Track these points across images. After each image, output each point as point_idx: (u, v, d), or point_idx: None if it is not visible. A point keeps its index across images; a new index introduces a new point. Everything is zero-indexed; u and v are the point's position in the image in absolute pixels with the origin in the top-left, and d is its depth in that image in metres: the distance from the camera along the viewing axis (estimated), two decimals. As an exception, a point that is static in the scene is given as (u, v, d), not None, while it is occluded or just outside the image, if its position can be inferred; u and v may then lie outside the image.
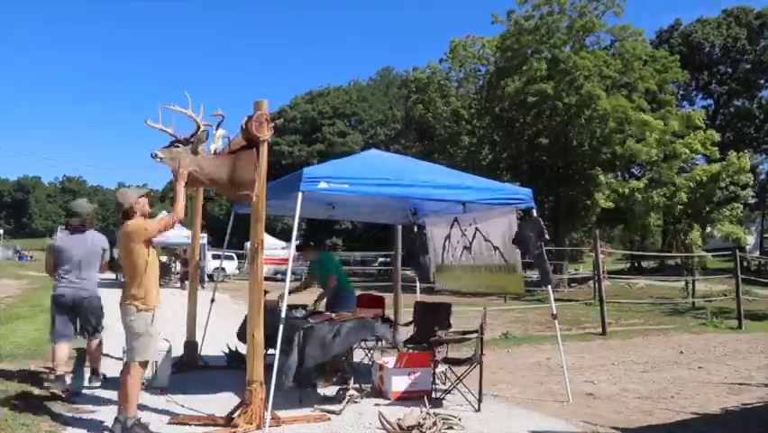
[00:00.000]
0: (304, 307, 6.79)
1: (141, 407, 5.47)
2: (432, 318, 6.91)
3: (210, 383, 6.44)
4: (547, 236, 6.48)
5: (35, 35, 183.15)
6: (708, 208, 22.68)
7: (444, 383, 6.25)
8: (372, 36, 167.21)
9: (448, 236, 7.80)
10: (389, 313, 8.05)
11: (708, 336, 12.16)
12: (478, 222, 7.14)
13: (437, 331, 6.36)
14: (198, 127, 4.93)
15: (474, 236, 7.22)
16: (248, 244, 6.01)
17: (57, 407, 5.41)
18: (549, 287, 6.78)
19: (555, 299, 6.98)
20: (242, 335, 6.80)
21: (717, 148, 23.33)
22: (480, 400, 5.76)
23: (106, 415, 5.26)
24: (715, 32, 39.58)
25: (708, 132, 23.24)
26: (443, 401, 5.95)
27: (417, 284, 8.72)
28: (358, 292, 7.97)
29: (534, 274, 16.07)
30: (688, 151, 21.40)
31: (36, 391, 5.95)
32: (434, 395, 6.03)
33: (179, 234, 23.97)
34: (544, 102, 25.14)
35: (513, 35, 27.05)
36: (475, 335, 6.07)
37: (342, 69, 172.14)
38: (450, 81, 31.89)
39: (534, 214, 6.59)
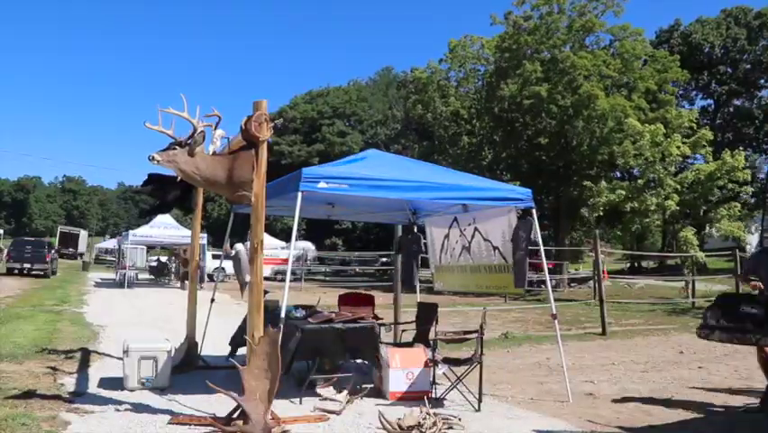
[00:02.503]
0: (304, 307, 6.78)
1: (142, 407, 5.49)
2: (423, 318, 6.99)
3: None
4: (538, 239, 6.50)
5: (35, 36, 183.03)
6: (705, 208, 22.63)
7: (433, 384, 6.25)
8: (372, 36, 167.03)
9: (447, 236, 7.81)
10: (384, 313, 8.05)
11: (708, 335, 12.15)
12: (477, 222, 7.15)
13: (428, 330, 6.45)
14: (195, 129, 4.93)
15: (473, 236, 7.22)
16: (247, 244, 5.98)
17: (57, 407, 5.41)
18: (549, 287, 6.81)
19: (555, 299, 6.99)
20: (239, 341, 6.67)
21: (711, 148, 23.29)
22: (479, 400, 5.76)
23: (106, 415, 5.27)
24: (714, 33, 39.58)
25: (701, 131, 23.22)
26: (444, 401, 5.95)
27: (417, 284, 8.72)
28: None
29: (534, 274, 16.07)
30: (678, 152, 21.36)
31: (36, 390, 5.95)
32: (433, 395, 6.03)
33: (179, 234, 24.06)
34: (540, 104, 25.15)
35: (511, 36, 27.05)
36: (475, 335, 6.08)
37: (342, 69, 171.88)
38: (449, 81, 31.87)
39: (534, 214, 6.60)
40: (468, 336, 6.46)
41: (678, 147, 21.10)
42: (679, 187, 20.93)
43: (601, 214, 23.20)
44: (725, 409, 6.18)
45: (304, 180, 5.52)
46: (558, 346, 6.59)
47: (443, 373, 6.14)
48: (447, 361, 6.15)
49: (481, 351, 5.93)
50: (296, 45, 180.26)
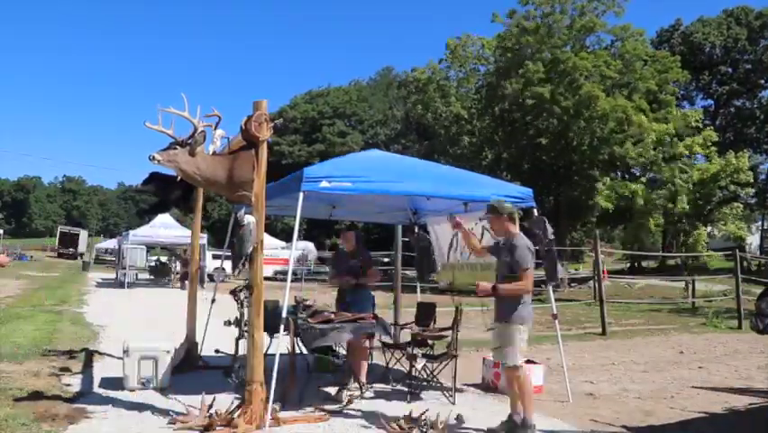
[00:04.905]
0: (305, 307, 6.76)
1: (142, 407, 5.49)
2: (423, 318, 7.08)
3: (210, 383, 6.43)
4: (552, 236, 6.50)
5: (35, 36, 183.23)
6: (708, 208, 22.72)
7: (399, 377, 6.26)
8: (372, 36, 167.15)
9: (456, 234, 7.78)
10: (384, 313, 8.05)
11: (708, 336, 12.17)
12: (483, 220, 7.13)
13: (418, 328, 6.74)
14: (195, 129, 4.93)
15: (483, 234, 7.21)
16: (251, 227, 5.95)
17: (57, 407, 5.41)
18: (549, 287, 6.80)
19: (555, 299, 6.99)
20: None
21: (715, 148, 23.36)
22: (454, 393, 6.01)
23: (106, 415, 5.27)
24: (715, 33, 39.59)
25: (706, 132, 23.27)
26: (420, 395, 6.15)
27: (417, 284, 8.71)
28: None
29: (535, 274, 16.04)
30: (687, 152, 21.48)
31: (36, 390, 5.95)
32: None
33: (179, 235, 24.03)
34: (542, 104, 25.18)
35: (513, 35, 27.05)
36: (449, 332, 6.30)
37: (342, 69, 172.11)
38: (449, 81, 31.86)
39: (536, 213, 6.60)
40: (443, 334, 6.53)
41: (688, 147, 21.18)
42: (692, 186, 20.99)
43: (611, 209, 23.20)
44: (725, 409, 6.17)
45: (306, 180, 5.51)
46: (558, 346, 6.59)
47: (422, 367, 6.36)
48: (425, 356, 6.39)
49: (456, 346, 6.17)
50: (296, 45, 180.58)
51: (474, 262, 7.51)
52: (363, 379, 6.18)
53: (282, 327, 5.32)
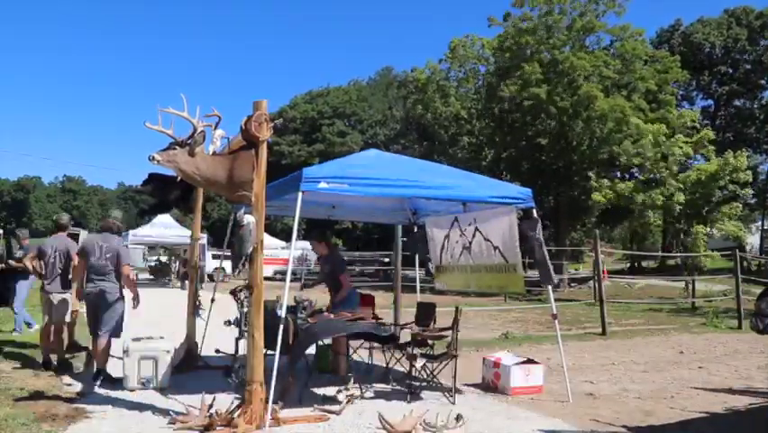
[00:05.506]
0: (304, 307, 6.77)
1: (142, 407, 5.49)
2: (423, 318, 7.10)
3: (210, 383, 6.43)
4: (540, 236, 6.49)
5: (35, 36, 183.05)
6: (707, 208, 22.76)
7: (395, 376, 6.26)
8: (372, 36, 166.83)
9: (447, 236, 7.80)
10: (384, 313, 8.06)
11: (708, 336, 12.16)
12: (478, 222, 7.15)
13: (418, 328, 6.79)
14: (195, 129, 4.92)
15: (474, 236, 7.22)
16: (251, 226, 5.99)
17: (57, 407, 5.41)
18: (549, 286, 6.80)
19: (555, 299, 6.99)
20: None
21: (713, 147, 23.37)
22: (454, 393, 6.02)
23: (106, 415, 5.26)
24: (715, 33, 39.57)
25: (703, 131, 23.28)
26: (421, 395, 6.15)
27: (417, 284, 8.71)
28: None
29: (534, 274, 16.07)
30: (680, 152, 21.49)
31: (36, 390, 5.95)
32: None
33: (180, 235, 24.04)
34: (539, 105, 25.17)
35: (511, 36, 27.04)
36: (449, 332, 6.31)
37: (342, 69, 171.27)
38: (449, 81, 31.83)
39: (535, 214, 6.60)
40: (443, 334, 6.53)
41: (680, 147, 21.19)
42: (682, 186, 20.99)
43: (608, 207, 23.27)
44: (725, 409, 6.17)
45: (304, 181, 5.51)
46: (558, 346, 6.59)
47: (422, 366, 6.35)
48: (425, 356, 6.40)
49: (456, 346, 6.18)
50: (296, 45, 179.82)
51: (464, 264, 7.54)
52: (342, 373, 6.29)
53: (281, 327, 5.32)
